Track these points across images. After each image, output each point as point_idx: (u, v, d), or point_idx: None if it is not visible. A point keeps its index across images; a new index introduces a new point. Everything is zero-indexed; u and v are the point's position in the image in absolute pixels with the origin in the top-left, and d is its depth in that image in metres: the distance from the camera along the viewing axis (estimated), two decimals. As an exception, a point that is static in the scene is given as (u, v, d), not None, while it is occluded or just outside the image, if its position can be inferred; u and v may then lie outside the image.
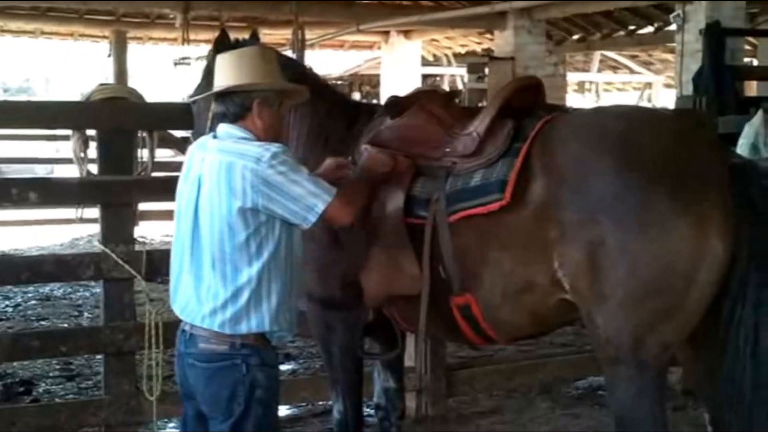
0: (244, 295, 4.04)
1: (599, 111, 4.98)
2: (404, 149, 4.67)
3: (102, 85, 7.94)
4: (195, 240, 4.13)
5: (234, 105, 4.16)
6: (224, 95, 4.18)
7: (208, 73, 5.16)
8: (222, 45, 5.05)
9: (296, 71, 5.20)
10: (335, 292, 4.89)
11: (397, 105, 4.89)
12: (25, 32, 22.29)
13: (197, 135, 5.13)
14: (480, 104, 18.63)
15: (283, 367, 8.48)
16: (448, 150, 4.59)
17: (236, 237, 4.01)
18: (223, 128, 4.19)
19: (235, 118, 4.16)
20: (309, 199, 4.02)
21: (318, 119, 5.00)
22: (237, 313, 4.05)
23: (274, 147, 4.04)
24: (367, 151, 4.64)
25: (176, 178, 5.51)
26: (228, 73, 4.18)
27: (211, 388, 4.12)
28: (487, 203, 4.31)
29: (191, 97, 5.45)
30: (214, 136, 4.20)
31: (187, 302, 4.16)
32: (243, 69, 4.15)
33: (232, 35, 5.39)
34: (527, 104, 4.61)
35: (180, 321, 4.25)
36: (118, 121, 6.23)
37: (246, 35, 5.39)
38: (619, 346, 4.08)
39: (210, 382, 4.12)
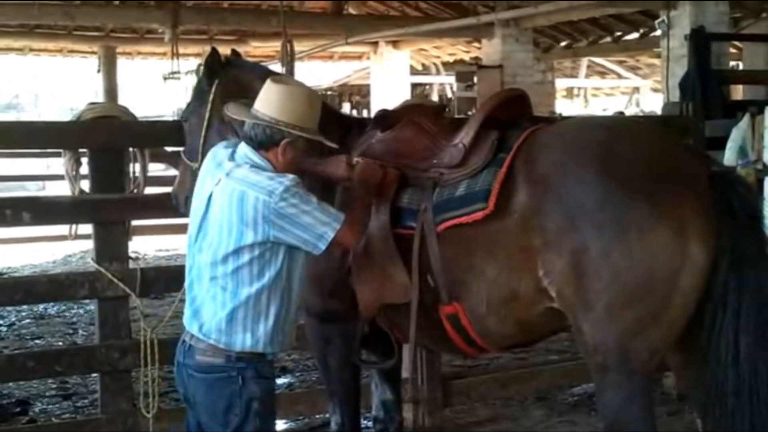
0: (241, 314, 4.12)
1: (581, 121, 5.03)
2: (394, 161, 4.74)
3: (92, 104, 7.93)
4: (197, 253, 4.22)
5: (264, 135, 4.19)
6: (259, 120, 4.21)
7: (200, 93, 5.20)
8: (214, 65, 5.09)
9: None
10: (332, 305, 4.94)
11: (386, 118, 4.95)
12: (13, 49, 22.32)
13: (190, 153, 5.16)
14: (470, 113, 18.73)
15: (280, 381, 8.49)
16: (435, 161, 4.65)
17: (240, 259, 4.09)
18: (242, 150, 4.23)
19: (258, 146, 4.21)
20: (319, 228, 4.11)
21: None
22: (232, 331, 4.12)
23: (287, 180, 4.10)
24: (359, 163, 4.66)
25: (168, 194, 5.57)
26: (272, 104, 4.20)
27: (209, 399, 4.19)
28: (471, 212, 4.37)
29: (182, 115, 5.48)
30: (232, 156, 4.23)
31: (189, 311, 4.25)
32: (288, 106, 4.18)
33: (221, 49, 5.44)
34: (512, 116, 4.68)
35: (177, 336, 4.30)
36: (109, 140, 6.24)
37: (236, 48, 5.44)
38: (606, 352, 4.11)
39: (208, 392, 4.19)
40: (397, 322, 4.76)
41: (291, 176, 4.15)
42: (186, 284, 4.31)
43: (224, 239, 4.10)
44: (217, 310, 4.13)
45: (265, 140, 4.19)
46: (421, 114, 4.91)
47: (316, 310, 5.04)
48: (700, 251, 3.99)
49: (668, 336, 4.12)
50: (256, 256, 4.09)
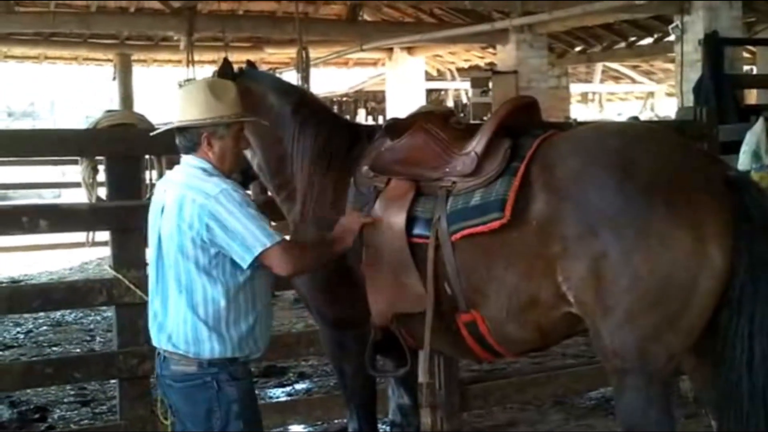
0: (202, 325, 4.15)
1: (596, 128, 5.05)
2: (404, 170, 4.75)
3: (109, 111, 7.99)
4: (159, 268, 4.25)
5: (185, 139, 4.25)
6: (178, 129, 4.27)
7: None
8: (226, 76, 5.11)
9: (296, 97, 5.29)
10: (346, 312, 4.96)
11: (396, 126, 4.96)
12: (29, 57, 22.44)
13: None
14: (485, 118, 18.75)
15: (298, 386, 8.53)
16: (447, 170, 4.64)
17: (191, 268, 4.13)
18: (183, 158, 4.31)
19: (188, 151, 4.26)
20: (249, 240, 4.07)
21: (321, 142, 5.08)
22: (198, 340, 4.17)
23: (225, 183, 4.13)
24: (345, 224, 4.62)
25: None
26: (178, 109, 4.25)
27: (189, 407, 4.26)
28: (487, 222, 4.36)
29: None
30: (178, 164, 4.32)
31: (156, 327, 4.29)
32: (190, 105, 4.22)
33: (236, 56, 5.46)
34: (523, 123, 4.67)
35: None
36: (127, 148, 6.27)
37: (251, 55, 5.47)
38: (625, 356, 4.13)
39: (187, 401, 4.27)
40: (411, 329, 4.77)
41: (230, 181, 4.19)
42: (149, 298, 4.35)
43: (175, 248, 4.14)
44: (179, 322, 4.17)
45: (188, 144, 4.25)
46: (431, 121, 4.90)
47: (329, 318, 5.08)
48: (718, 255, 4.01)
49: (686, 339, 4.14)
50: (205, 265, 4.12)
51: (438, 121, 4.93)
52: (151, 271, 4.32)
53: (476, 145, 4.58)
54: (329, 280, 4.90)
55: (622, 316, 4.07)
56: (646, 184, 4.07)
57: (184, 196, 4.12)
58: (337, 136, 5.16)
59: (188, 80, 17.87)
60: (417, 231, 4.60)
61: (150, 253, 4.33)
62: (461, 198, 4.52)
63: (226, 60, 5.27)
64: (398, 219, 4.63)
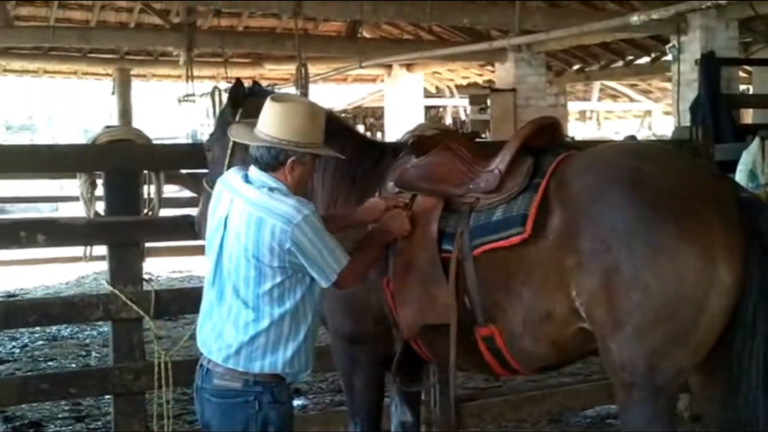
0: (261, 339, 4.16)
1: (611, 148, 5.14)
2: (429, 187, 4.83)
3: (108, 127, 7.98)
4: (217, 278, 4.26)
5: (269, 156, 4.21)
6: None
7: (224, 123, 5.22)
8: (238, 95, 5.12)
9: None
10: (364, 326, 5.02)
11: (421, 144, 5.04)
12: (28, 71, 22.44)
13: (212, 181, 5.18)
14: (483, 135, 18.77)
15: (294, 403, 8.50)
16: (471, 186, 4.74)
17: (261, 285, 4.14)
18: (254, 173, 4.26)
19: (266, 168, 4.23)
20: (325, 268, 4.19)
21: (346, 159, 5.11)
22: (252, 354, 4.17)
23: (305, 209, 4.13)
24: (397, 214, 4.75)
25: (183, 217, 5.59)
26: (272, 123, 4.21)
27: (225, 424, 4.22)
28: (508, 237, 4.46)
29: (206, 144, 5.53)
30: (246, 179, 4.27)
31: (207, 336, 4.29)
32: (288, 123, 4.18)
33: (236, 71, 5.49)
34: (545, 142, 4.77)
35: (191, 358, 4.34)
36: (126, 163, 6.29)
37: (250, 71, 5.49)
38: (633, 370, 4.19)
39: (224, 417, 4.23)
40: (431, 343, 4.84)
41: (311, 205, 4.19)
42: (205, 307, 4.34)
43: (243, 264, 4.14)
44: (238, 335, 4.17)
45: (270, 161, 4.21)
46: (456, 140, 5.01)
47: (345, 331, 5.12)
48: (727, 273, 4.08)
49: (695, 355, 4.20)
50: (277, 282, 4.14)
51: (463, 139, 5.08)
52: (208, 277, 4.33)
53: (499, 162, 4.69)
54: (354, 295, 4.94)
55: (632, 331, 4.15)
56: (658, 201, 4.16)
57: (263, 220, 4.11)
58: (362, 154, 5.23)
59: (188, 95, 17.93)
60: (442, 245, 4.70)
61: (209, 260, 4.33)
62: (483, 213, 4.62)
63: (238, 80, 5.31)
64: (429, 231, 4.71)
